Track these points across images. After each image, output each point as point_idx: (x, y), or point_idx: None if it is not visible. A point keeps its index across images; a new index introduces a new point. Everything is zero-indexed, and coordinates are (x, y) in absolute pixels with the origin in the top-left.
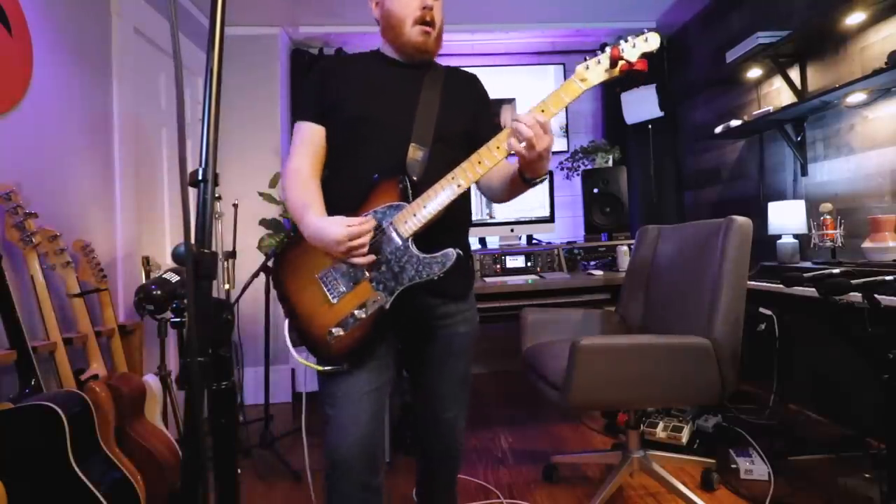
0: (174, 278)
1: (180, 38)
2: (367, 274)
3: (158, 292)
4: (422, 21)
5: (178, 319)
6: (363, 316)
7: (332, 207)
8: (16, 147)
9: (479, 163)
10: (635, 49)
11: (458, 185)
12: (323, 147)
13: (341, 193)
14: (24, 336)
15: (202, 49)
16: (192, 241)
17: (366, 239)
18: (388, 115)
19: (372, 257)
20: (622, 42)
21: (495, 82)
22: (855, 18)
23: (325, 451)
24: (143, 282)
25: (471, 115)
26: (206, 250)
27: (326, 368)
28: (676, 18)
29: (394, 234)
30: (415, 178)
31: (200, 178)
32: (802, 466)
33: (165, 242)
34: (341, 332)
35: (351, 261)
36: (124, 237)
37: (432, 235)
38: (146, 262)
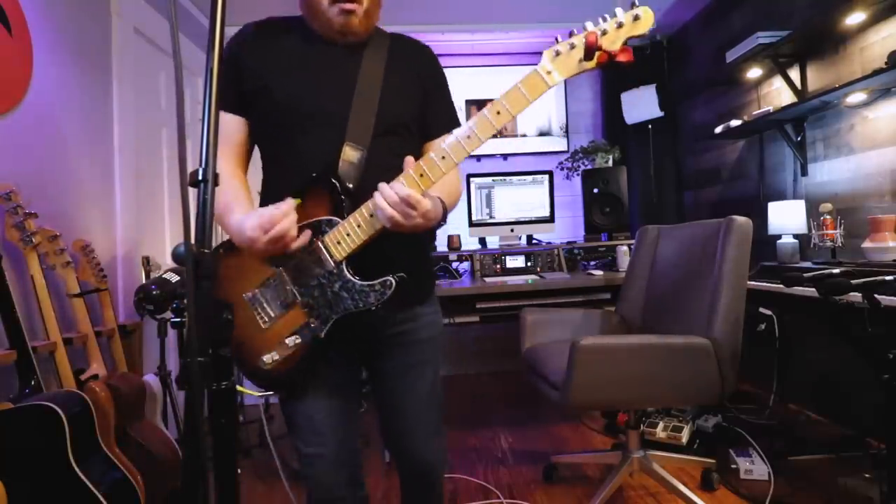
0: (174, 278)
1: (180, 38)
2: (299, 298)
3: (158, 292)
4: None
5: (178, 319)
6: (296, 344)
7: None
8: (16, 147)
9: (422, 175)
10: (621, 30)
11: None
12: (243, 141)
13: (272, 200)
14: (24, 336)
15: (202, 49)
16: (192, 241)
17: (286, 224)
18: (318, 104)
19: (306, 236)
20: (605, 21)
21: (495, 82)
22: (855, 18)
23: (302, 479)
24: (143, 282)
25: (419, 99)
26: (206, 250)
27: (263, 394)
28: (676, 18)
29: (325, 256)
30: (349, 186)
31: (200, 178)
32: (802, 466)
33: (165, 242)
34: (275, 359)
35: (282, 251)
36: (124, 237)
37: (371, 254)
38: (146, 262)
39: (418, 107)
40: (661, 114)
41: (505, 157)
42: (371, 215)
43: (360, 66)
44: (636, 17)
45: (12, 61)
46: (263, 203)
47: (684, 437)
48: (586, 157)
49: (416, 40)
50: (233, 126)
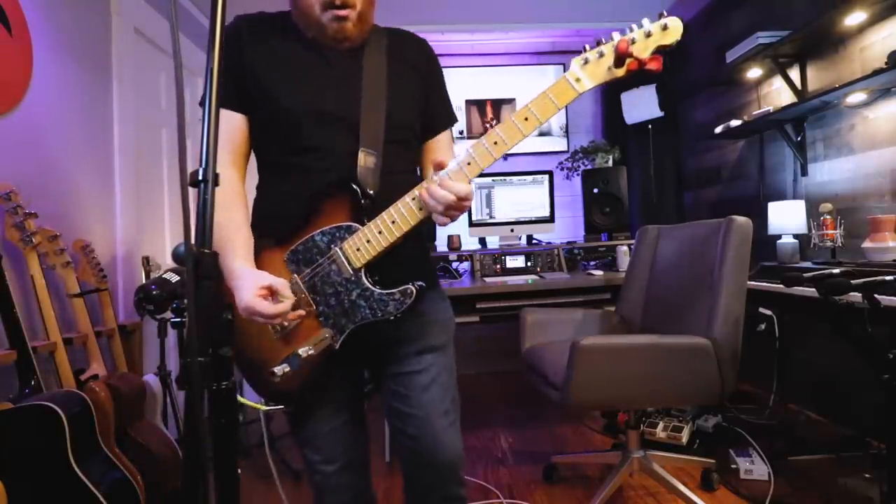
0: (174, 278)
1: (180, 38)
2: (314, 307)
3: (158, 292)
4: (331, 4)
5: (178, 319)
6: (309, 355)
7: (270, 223)
8: (16, 147)
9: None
10: (649, 39)
11: (421, 209)
12: (245, 141)
13: (280, 207)
14: (24, 336)
15: (202, 49)
16: (192, 241)
17: (282, 312)
18: (329, 110)
19: (299, 313)
20: (632, 31)
21: (495, 82)
22: (855, 18)
23: (310, 487)
24: (143, 282)
25: (422, 100)
26: (206, 250)
27: (269, 408)
28: None
29: (344, 263)
30: (370, 192)
31: (200, 178)
32: (802, 466)
33: (165, 242)
34: (285, 371)
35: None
36: (124, 237)
37: (389, 262)
38: (146, 262)
39: (420, 109)
40: (661, 114)
41: (505, 157)
42: (393, 222)
43: (362, 69)
44: (664, 27)
45: (12, 61)
46: (261, 210)
47: (684, 437)
48: (586, 157)
49: (411, 34)
50: (234, 124)
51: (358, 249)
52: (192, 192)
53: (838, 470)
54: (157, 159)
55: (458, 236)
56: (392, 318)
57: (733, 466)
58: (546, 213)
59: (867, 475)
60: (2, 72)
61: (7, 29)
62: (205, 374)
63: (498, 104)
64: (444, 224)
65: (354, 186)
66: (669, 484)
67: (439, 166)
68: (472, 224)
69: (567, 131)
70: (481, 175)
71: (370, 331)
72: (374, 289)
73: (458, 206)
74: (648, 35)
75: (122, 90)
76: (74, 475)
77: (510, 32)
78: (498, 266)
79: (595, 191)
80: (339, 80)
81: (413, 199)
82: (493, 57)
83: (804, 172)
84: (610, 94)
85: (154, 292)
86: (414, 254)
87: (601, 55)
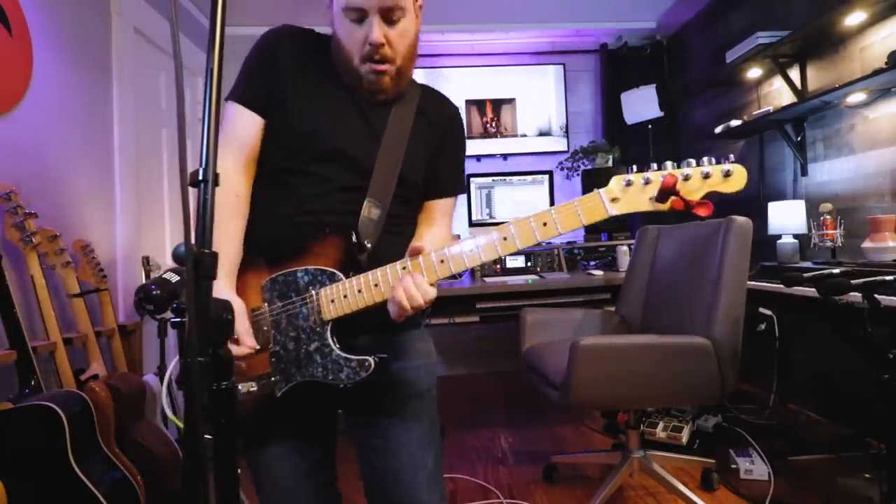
0: (174, 278)
1: (180, 38)
2: (270, 344)
3: (158, 292)
4: (370, 59)
5: (178, 319)
6: (250, 390)
7: (259, 244)
8: (16, 147)
9: (442, 261)
10: (706, 182)
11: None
12: (256, 147)
13: (273, 228)
14: (24, 336)
15: (202, 49)
16: (192, 241)
17: (238, 356)
18: (346, 151)
19: (249, 351)
20: (690, 166)
21: (495, 82)
22: (855, 18)
23: None
24: (143, 282)
25: (433, 162)
26: (206, 250)
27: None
28: (676, 18)
29: (314, 310)
30: (367, 244)
31: (200, 178)
32: (802, 466)
33: (165, 242)
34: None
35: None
36: (124, 237)
37: (357, 319)
38: (146, 262)
39: (429, 167)
40: (660, 114)
41: (505, 157)
42: (376, 285)
43: (388, 121)
44: (727, 174)
45: (12, 61)
46: (253, 226)
47: (684, 437)
48: (586, 157)
49: (445, 97)
50: (252, 127)
51: (332, 301)
52: (192, 192)
53: (838, 470)
54: (157, 159)
55: (458, 236)
56: (342, 385)
57: (733, 466)
58: None
59: (867, 475)
60: (2, 72)
61: (7, 29)
62: (205, 374)
63: (498, 104)
64: (396, 315)
65: (353, 234)
66: (669, 484)
67: (415, 252)
68: (472, 224)
69: (567, 131)
70: (481, 175)
71: (326, 389)
72: (333, 348)
73: (418, 307)
74: (706, 177)
75: (122, 90)
76: (74, 475)
77: (510, 32)
78: (498, 266)
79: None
80: (360, 120)
81: (404, 268)
82: (493, 57)
83: (804, 172)
84: (610, 94)
85: (154, 292)
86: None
87: (647, 182)
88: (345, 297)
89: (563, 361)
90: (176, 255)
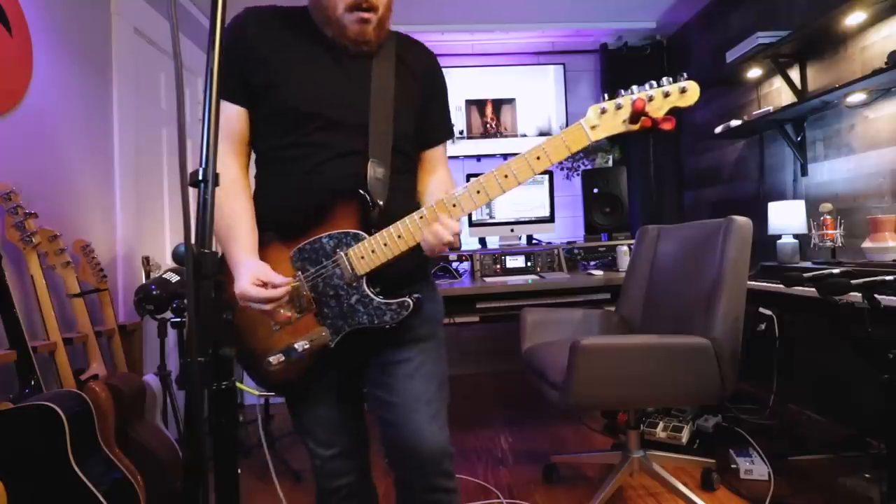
0: (174, 278)
1: (180, 38)
2: (315, 306)
3: (158, 292)
4: (356, 6)
5: (178, 319)
6: (304, 349)
7: (274, 217)
8: (16, 147)
9: (455, 205)
10: (666, 100)
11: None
12: (244, 134)
13: (285, 201)
14: (24, 336)
15: (202, 49)
16: (192, 241)
17: (274, 298)
18: (339, 115)
19: (288, 315)
20: (652, 87)
21: (495, 82)
22: (855, 18)
23: (313, 471)
24: (143, 282)
25: (421, 111)
26: (206, 250)
27: (263, 394)
28: (676, 18)
29: (347, 268)
30: (379, 203)
31: (200, 178)
32: (802, 466)
33: (165, 242)
34: (280, 361)
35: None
36: (124, 237)
37: (391, 271)
38: (146, 262)
39: (420, 119)
40: None
41: (505, 157)
42: (399, 237)
43: (372, 75)
44: (683, 90)
45: (12, 61)
46: (264, 201)
47: (684, 437)
48: (586, 157)
49: (420, 43)
50: (232, 117)
51: (362, 258)
52: (192, 191)
53: (838, 470)
54: (157, 159)
55: (458, 237)
56: (387, 326)
57: (733, 466)
58: (546, 213)
59: (867, 475)
60: (2, 72)
61: (7, 29)
62: (205, 374)
63: (498, 104)
64: (429, 251)
65: (365, 195)
66: (669, 484)
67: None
68: (472, 224)
69: None
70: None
71: (363, 332)
72: (373, 297)
73: (450, 244)
74: (666, 95)
75: (122, 90)
76: (74, 475)
77: (510, 32)
78: (498, 266)
79: (595, 191)
80: (348, 82)
81: (421, 217)
82: (493, 57)
83: (804, 172)
84: (610, 94)
85: (154, 292)
86: (414, 261)
87: (618, 107)
88: (373, 251)
89: (563, 361)
90: (176, 255)
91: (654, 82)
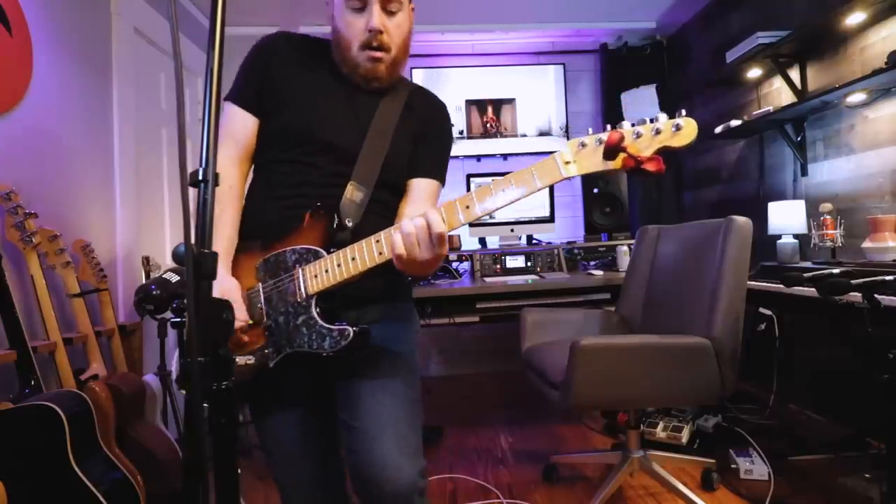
0: (174, 278)
1: (180, 38)
2: (264, 320)
3: (158, 292)
4: (369, 45)
5: (178, 319)
6: (247, 364)
7: (254, 230)
8: (16, 147)
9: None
10: (656, 138)
11: (380, 254)
12: (252, 145)
13: (264, 214)
14: (24, 336)
15: (202, 49)
16: (192, 241)
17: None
18: (332, 139)
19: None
20: (638, 125)
21: (495, 82)
22: (855, 18)
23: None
24: (143, 282)
25: (417, 144)
26: (206, 250)
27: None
28: (676, 18)
29: (300, 286)
30: (348, 224)
31: (200, 178)
32: (802, 466)
33: (165, 242)
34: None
35: None
36: (124, 237)
37: (353, 291)
38: (146, 262)
39: (412, 155)
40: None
41: (505, 157)
42: (353, 259)
43: (376, 111)
44: (677, 128)
45: (12, 61)
46: (247, 213)
47: (684, 437)
48: None
49: (434, 96)
50: (245, 124)
51: (315, 276)
52: (192, 191)
53: (838, 470)
54: (157, 159)
55: (458, 236)
56: (324, 354)
57: (733, 466)
58: (546, 213)
59: (867, 475)
60: (2, 72)
61: (7, 29)
62: (204, 374)
63: (498, 104)
64: (405, 269)
65: (335, 214)
66: (669, 484)
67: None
68: (472, 224)
69: (567, 131)
70: (481, 175)
71: (313, 359)
72: (317, 319)
73: (428, 241)
74: (657, 133)
75: (122, 90)
76: (74, 475)
77: (510, 32)
78: (498, 266)
79: (595, 191)
80: (351, 114)
81: (377, 241)
82: (493, 57)
83: (804, 172)
84: (610, 93)
85: (154, 292)
86: (383, 283)
87: (600, 142)
88: (326, 271)
89: (563, 361)
90: (176, 255)
91: (647, 118)
